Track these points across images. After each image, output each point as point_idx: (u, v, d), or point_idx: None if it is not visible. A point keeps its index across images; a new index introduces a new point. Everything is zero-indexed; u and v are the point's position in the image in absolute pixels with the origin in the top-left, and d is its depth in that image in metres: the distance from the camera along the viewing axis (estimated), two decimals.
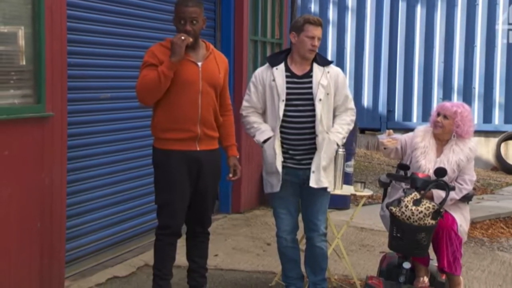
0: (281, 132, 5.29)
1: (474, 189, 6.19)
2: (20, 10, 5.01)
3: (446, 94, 15.06)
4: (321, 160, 5.25)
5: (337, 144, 5.33)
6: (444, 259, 5.31)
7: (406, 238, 5.13)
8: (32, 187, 5.06)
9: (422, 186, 5.18)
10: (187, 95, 4.92)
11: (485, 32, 15.02)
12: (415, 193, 5.13)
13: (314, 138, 5.26)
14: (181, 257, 5.36)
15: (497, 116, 15.07)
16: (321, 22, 5.33)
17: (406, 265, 5.26)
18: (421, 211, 5.05)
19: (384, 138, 5.58)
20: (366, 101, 15.31)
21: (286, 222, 5.44)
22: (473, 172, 5.57)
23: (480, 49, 15.05)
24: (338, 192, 5.92)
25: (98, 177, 6.33)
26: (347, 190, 6.28)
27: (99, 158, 6.35)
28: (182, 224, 5.11)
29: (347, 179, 7.00)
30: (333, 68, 5.40)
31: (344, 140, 5.41)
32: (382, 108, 15.28)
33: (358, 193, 6.29)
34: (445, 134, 5.50)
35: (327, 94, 5.28)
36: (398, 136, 5.63)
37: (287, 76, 5.31)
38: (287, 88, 5.28)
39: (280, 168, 5.26)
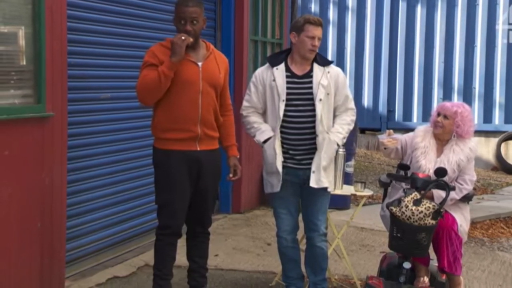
0: (281, 132, 5.29)
1: (474, 189, 6.20)
2: (20, 10, 5.01)
3: (446, 94, 15.06)
4: (322, 160, 5.25)
5: (338, 144, 5.33)
6: (445, 259, 5.31)
7: (407, 238, 5.12)
8: (32, 187, 5.06)
9: (422, 186, 5.18)
10: (188, 95, 4.92)
11: (485, 32, 15.02)
12: (415, 193, 5.13)
13: (315, 138, 5.26)
14: (181, 257, 5.36)
15: (497, 116, 15.07)
16: (322, 22, 5.33)
17: (407, 265, 5.26)
18: (421, 211, 5.05)
19: (384, 138, 5.58)
20: (367, 101, 15.31)
21: (286, 222, 5.44)
22: (473, 172, 5.57)
23: (480, 49, 15.05)
24: (338, 192, 5.93)
25: (98, 177, 6.33)
26: (347, 190, 6.28)
27: (99, 158, 6.35)
28: (182, 224, 5.11)
29: (347, 179, 7.00)
30: (333, 68, 5.40)
31: (345, 140, 5.41)
32: (382, 108, 15.28)
33: (358, 193, 6.29)
34: (445, 134, 5.50)
35: (328, 94, 5.28)
36: (398, 136, 5.62)
37: (287, 76, 5.31)
38: (288, 88, 5.28)
39: (280, 168, 5.27)
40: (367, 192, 6.38)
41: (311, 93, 5.27)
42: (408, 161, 5.52)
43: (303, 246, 5.63)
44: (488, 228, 9.25)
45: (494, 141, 14.86)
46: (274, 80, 5.29)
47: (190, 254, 5.27)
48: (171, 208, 4.99)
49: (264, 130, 5.32)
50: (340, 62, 14.93)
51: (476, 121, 11.96)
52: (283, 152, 5.30)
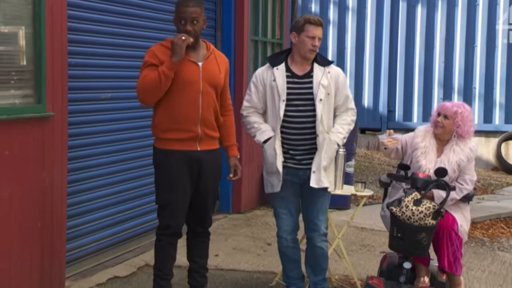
0: (281, 132, 5.29)
1: (474, 189, 6.19)
2: (21, 10, 5.01)
3: (447, 94, 15.06)
4: (322, 160, 5.25)
5: (338, 144, 5.33)
6: (445, 259, 5.31)
7: (407, 238, 5.12)
8: (32, 187, 5.07)
9: (423, 186, 5.18)
10: (188, 95, 4.92)
11: (485, 32, 15.01)
12: (416, 193, 5.13)
13: (315, 138, 5.26)
14: (181, 257, 5.37)
15: (498, 116, 15.06)
16: (322, 22, 5.33)
17: (407, 265, 5.26)
18: (422, 211, 5.05)
19: (385, 138, 5.58)
20: (367, 101, 15.31)
21: (286, 222, 5.44)
22: (474, 172, 5.57)
23: (481, 49, 15.04)
24: (338, 192, 5.94)
25: (99, 177, 6.33)
26: (348, 190, 6.28)
27: (100, 158, 6.35)
28: (182, 224, 5.11)
29: (347, 179, 7.01)
30: (333, 68, 5.40)
31: (345, 140, 5.41)
32: (382, 108, 15.28)
33: (358, 193, 6.29)
34: (445, 134, 5.50)
35: (328, 94, 5.28)
36: (398, 136, 5.63)
37: (287, 76, 5.31)
38: (288, 88, 5.28)
39: (280, 168, 5.27)
40: (368, 192, 6.38)
41: (312, 93, 5.27)
42: (408, 161, 5.52)
43: (303, 246, 5.63)
44: (489, 228, 9.25)
45: (494, 141, 14.86)
46: (274, 80, 5.29)
47: (190, 254, 5.27)
48: (172, 208, 4.99)
49: (265, 130, 5.32)
50: (340, 62, 14.94)
51: (476, 121, 11.97)
52: (284, 152, 5.30)
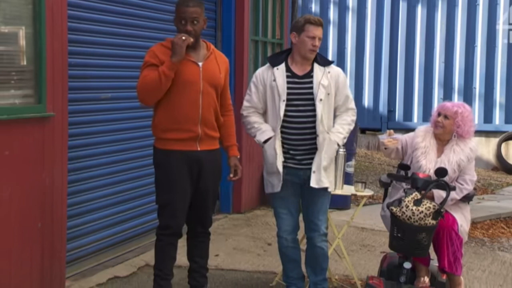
0: (281, 132, 5.29)
1: (474, 189, 6.19)
2: (21, 10, 5.01)
3: (447, 94, 15.06)
4: (322, 160, 5.25)
5: (338, 144, 5.33)
6: (445, 259, 5.31)
7: (407, 238, 5.12)
8: (33, 187, 5.07)
9: (423, 186, 5.18)
10: (188, 95, 4.92)
11: (485, 32, 15.01)
12: (416, 193, 5.13)
13: (315, 138, 5.26)
14: (181, 257, 5.37)
15: (498, 116, 15.07)
16: (322, 22, 5.33)
17: (407, 265, 5.26)
18: (422, 211, 5.05)
19: (385, 138, 5.58)
20: (367, 101, 15.31)
21: (287, 222, 5.44)
22: (474, 172, 5.57)
23: (481, 49, 15.04)
24: (338, 192, 5.94)
25: (99, 177, 6.33)
26: (348, 190, 6.28)
27: (100, 158, 6.35)
28: (182, 224, 5.11)
29: (347, 179, 7.01)
30: (333, 68, 5.40)
31: (345, 140, 5.40)
32: (382, 108, 15.28)
33: (358, 193, 6.29)
34: (445, 134, 5.50)
35: (328, 94, 5.28)
36: (398, 136, 5.63)
37: (287, 76, 5.31)
38: (288, 88, 5.28)
39: (281, 168, 5.27)
40: (368, 192, 6.38)
41: (312, 93, 5.27)
42: (408, 161, 5.52)
43: (303, 246, 5.63)
44: (489, 228, 9.25)
45: (494, 141, 14.86)
46: (274, 80, 5.29)
47: (190, 254, 5.27)
48: (172, 208, 4.99)
49: (265, 130, 5.32)
50: (340, 62, 14.94)
51: (476, 121, 11.93)
52: (284, 152, 5.30)
